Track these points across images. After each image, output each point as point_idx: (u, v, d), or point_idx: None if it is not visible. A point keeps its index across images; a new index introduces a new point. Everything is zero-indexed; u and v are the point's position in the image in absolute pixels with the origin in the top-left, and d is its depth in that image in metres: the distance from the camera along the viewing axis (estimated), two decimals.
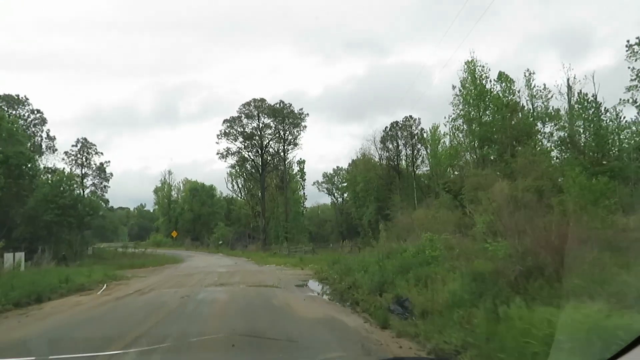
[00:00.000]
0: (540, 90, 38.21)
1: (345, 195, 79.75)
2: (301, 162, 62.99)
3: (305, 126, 60.05)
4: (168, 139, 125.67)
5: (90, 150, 55.00)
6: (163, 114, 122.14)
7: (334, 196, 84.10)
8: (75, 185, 42.54)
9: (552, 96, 37.68)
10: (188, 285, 18.40)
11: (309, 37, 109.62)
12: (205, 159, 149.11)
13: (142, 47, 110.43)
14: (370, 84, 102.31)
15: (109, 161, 55.71)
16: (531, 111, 39.22)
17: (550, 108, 37.91)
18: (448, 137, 43.53)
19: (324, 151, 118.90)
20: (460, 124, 41.72)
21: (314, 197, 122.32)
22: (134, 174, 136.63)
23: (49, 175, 44.57)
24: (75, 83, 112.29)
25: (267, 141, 61.10)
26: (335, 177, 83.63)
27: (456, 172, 43.74)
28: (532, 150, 38.20)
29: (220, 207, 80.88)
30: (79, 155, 54.57)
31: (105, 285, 19.24)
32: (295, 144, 61.40)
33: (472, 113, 40.42)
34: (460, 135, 41.53)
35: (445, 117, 41.83)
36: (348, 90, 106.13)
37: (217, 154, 60.61)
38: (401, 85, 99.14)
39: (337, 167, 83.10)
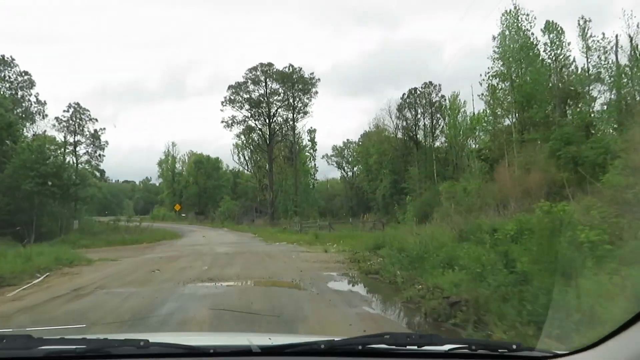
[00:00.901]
0: (598, 41, 30.51)
1: (356, 168, 72.66)
2: (312, 131, 55.64)
3: (317, 92, 52.61)
4: (176, 114, 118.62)
5: (83, 117, 47.68)
6: (171, 89, 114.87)
7: (344, 170, 76.88)
8: (59, 151, 35.51)
9: (611, 47, 30.10)
10: (159, 279, 11.39)
11: (318, 8, 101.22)
12: (213, 134, 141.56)
13: (147, 20, 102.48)
14: (380, 58, 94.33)
15: (104, 128, 48.29)
16: (585, 67, 31.72)
17: (609, 62, 30.35)
18: (482, 98, 35.77)
19: (332, 126, 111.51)
20: (498, 83, 34.17)
21: (323, 171, 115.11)
22: (141, 148, 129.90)
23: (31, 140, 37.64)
24: (82, 58, 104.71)
25: (275, 109, 53.75)
26: (346, 150, 76.33)
27: (486, 139, 36.30)
28: (587, 111, 31.07)
29: (226, 180, 73.96)
30: (70, 122, 47.30)
31: (41, 277, 12.32)
32: (305, 112, 54.03)
33: (513, 68, 32.94)
34: (499, 94, 33.96)
35: (481, 75, 34.24)
36: (357, 64, 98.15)
37: (222, 122, 53.36)
38: (412, 59, 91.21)
39: (347, 140, 75.71)
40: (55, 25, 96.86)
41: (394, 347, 1.55)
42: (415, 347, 1.54)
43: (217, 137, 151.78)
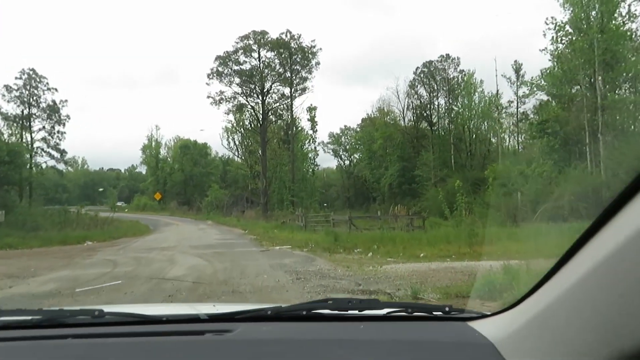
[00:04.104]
0: None
1: (356, 156, 62.04)
2: (312, 109, 44.76)
3: (319, 63, 41.78)
4: (167, 103, 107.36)
5: (39, 85, 36.51)
6: (161, 75, 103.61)
7: (341, 158, 66.28)
8: None
9: None
10: None
11: None
12: (203, 125, 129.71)
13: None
14: (377, 46, 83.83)
15: (66, 100, 37.26)
16: None
17: None
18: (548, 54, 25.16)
19: (327, 114, 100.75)
20: (563, 37, 23.76)
21: (318, 160, 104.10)
22: (134, 137, 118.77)
23: None
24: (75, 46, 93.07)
25: (270, 84, 42.84)
26: (343, 137, 65.71)
27: (554, 107, 25.77)
28: None
29: (215, 167, 63.06)
30: (23, 91, 36.10)
31: None
32: (304, 89, 43.16)
33: (594, 12, 22.61)
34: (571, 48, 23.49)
35: (547, 22, 23.76)
36: (353, 52, 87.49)
37: (208, 97, 42.27)
38: (413, 47, 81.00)
39: (345, 126, 65.11)
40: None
41: (336, 311, 1.52)
42: (356, 312, 1.52)
43: (208, 128, 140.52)
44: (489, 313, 1.42)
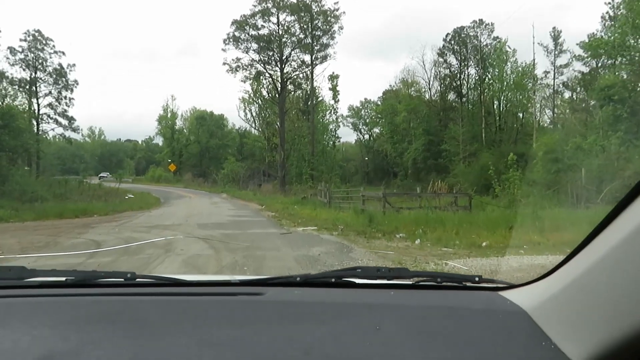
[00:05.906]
0: None
1: (376, 130, 58.31)
2: (334, 77, 41.03)
3: (342, 28, 37.91)
4: (186, 73, 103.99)
5: (45, 48, 33.42)
6: (183, 47, 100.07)
7: (361, 132, 62.49)
8: None
9: None
10: None
11: None
12: (222, 100, 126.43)
13: None
14: (399, 18, 78.80)
15: (73, 65, 34.19)
16: None
17: None
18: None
19: (345, 88, 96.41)
20: None
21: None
22: (153, 109, 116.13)
23: None
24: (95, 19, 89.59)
25: (289, 50, 39.17)
26: (363, 111, 61.84)
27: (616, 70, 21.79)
28: None
29: (232, 139, 59.92)
30: (28, 54, 33.05)
31: None
32: (325, 57, 39.42)
33: None
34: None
35: None
36: (374, 24, 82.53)
37: (224, 64, 38.82)
38: (434, 20, 75.87)
39: (365, 99, 61.14)
40: None
41: (365, 280, 1.51)
42: (385, 280, 1.50)
43: (226, 103, 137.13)
44: (518, 284, 1.38)
